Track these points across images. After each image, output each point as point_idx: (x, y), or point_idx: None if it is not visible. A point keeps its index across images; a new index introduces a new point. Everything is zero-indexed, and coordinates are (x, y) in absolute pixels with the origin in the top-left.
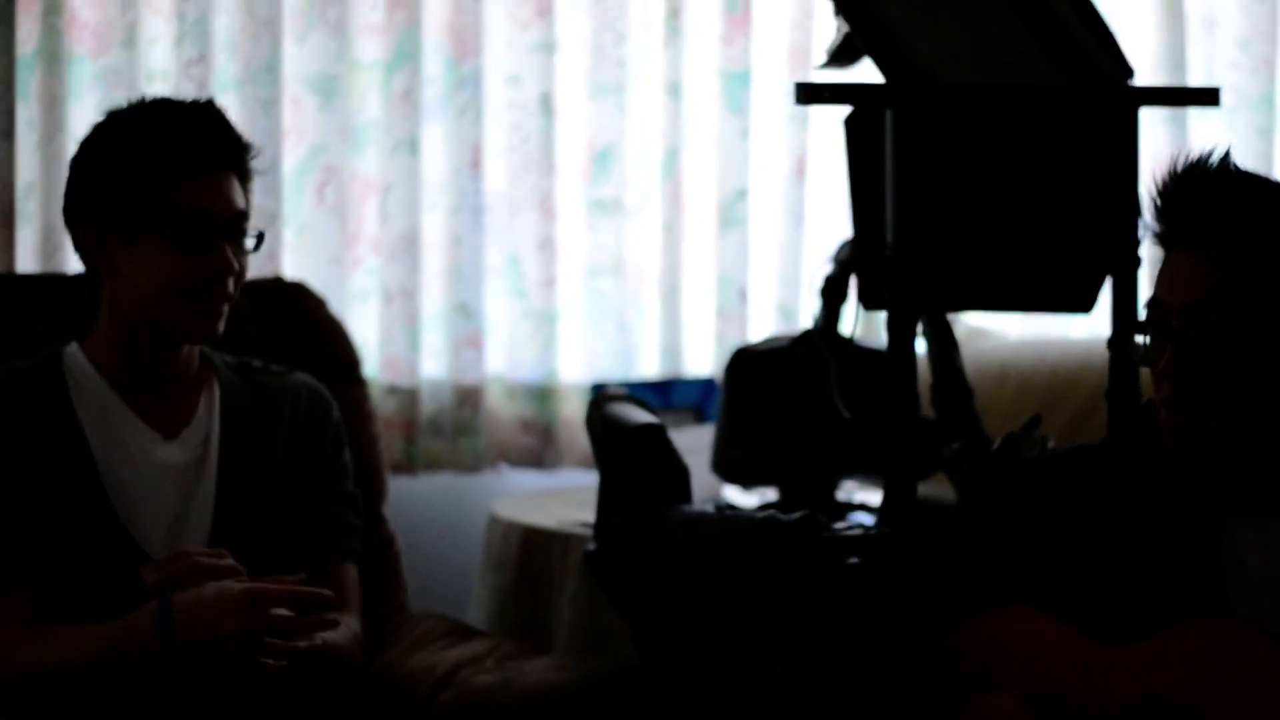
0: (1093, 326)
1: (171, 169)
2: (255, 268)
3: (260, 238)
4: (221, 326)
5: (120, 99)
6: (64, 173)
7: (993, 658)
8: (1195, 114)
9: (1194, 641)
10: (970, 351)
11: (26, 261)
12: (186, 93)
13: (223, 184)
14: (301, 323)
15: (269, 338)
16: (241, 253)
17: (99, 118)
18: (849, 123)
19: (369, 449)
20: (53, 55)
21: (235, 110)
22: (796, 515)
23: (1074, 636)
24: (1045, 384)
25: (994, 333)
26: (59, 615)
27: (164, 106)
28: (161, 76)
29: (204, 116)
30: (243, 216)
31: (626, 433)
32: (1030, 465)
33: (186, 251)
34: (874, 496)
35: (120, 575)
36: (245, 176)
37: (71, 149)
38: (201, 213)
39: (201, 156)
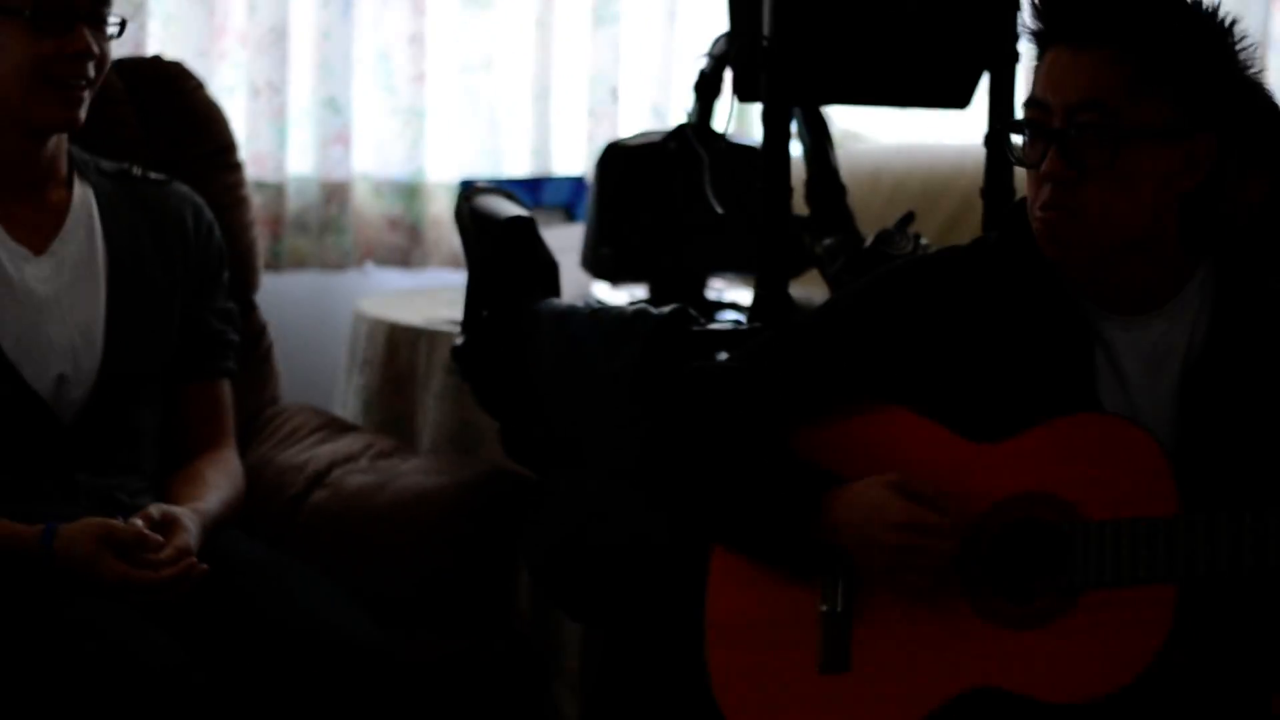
0: (965, 134)
1: None
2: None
3: (123, 24)
4: (83, 114)
5: None
6: None
7: (861, 455)
8: None
9: (1067, 437)
10: (843, 155)
11: None
12: None
13: None
14: (177, 105)
15: (143, 120)
16: (103, 38)
17: None
18: None
19: (242, 236)
20: None
21: None
22: (667, 309)
23: (945, 434)
24: (918, 189)
25: (867, 136)
26: None
27: None
28: None
29: None
30: (102, 1)
31: (495, 225)
32: (903, 262)
33: (43, 33)
34: (744, 296)
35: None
36: None
37: None
38: None
39: None
